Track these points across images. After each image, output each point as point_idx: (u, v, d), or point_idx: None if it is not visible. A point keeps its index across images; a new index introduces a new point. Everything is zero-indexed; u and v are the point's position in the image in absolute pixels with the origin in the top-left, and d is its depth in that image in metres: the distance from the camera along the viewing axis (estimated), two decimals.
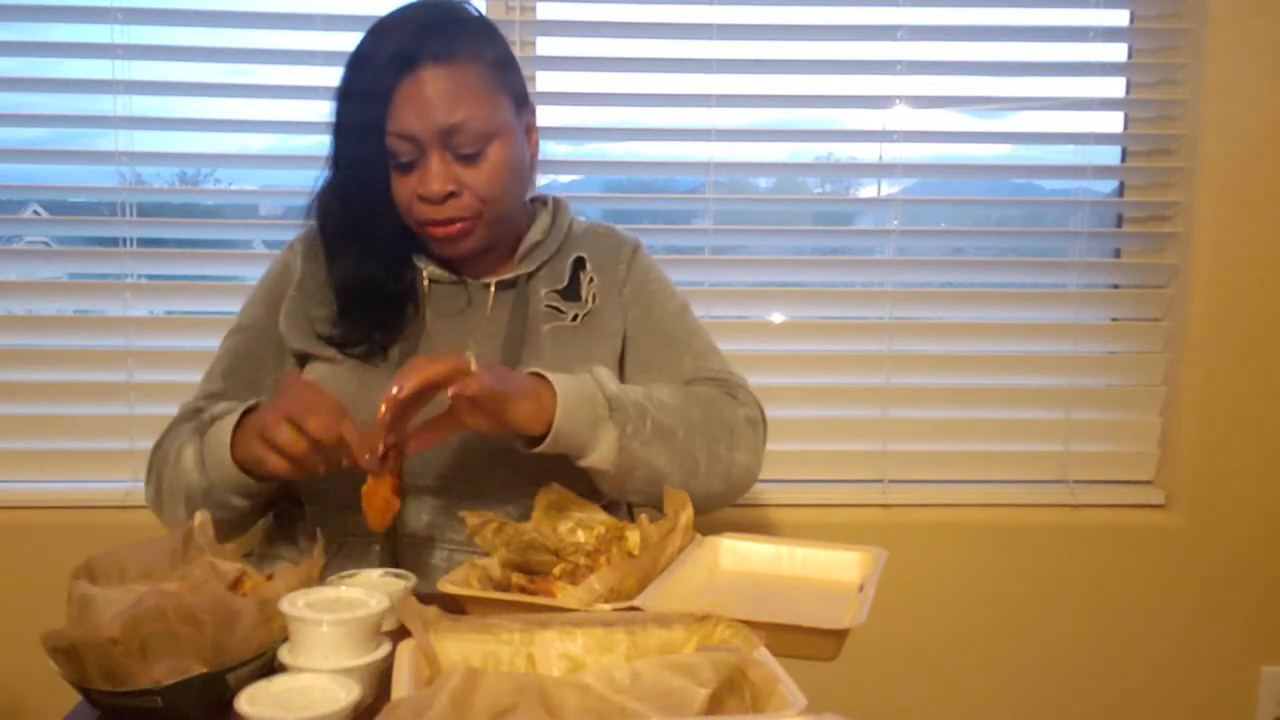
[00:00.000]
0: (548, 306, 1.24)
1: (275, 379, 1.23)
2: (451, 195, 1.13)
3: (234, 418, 1.07)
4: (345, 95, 1.15)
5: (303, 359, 1.22)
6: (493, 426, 1.03)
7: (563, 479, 1.10)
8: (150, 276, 1.79)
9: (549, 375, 1.06)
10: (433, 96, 1.11)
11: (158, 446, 1.20)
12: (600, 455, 1.08)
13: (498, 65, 1.17)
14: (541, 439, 1.04)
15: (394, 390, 0.97)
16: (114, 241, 1.77)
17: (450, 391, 0.98)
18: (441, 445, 1.13)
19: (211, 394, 1.22)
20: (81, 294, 1.87)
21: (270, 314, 1.25)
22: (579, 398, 1.06)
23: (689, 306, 1.33)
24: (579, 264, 1.27)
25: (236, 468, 1.05)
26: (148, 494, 1.20)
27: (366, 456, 0.98)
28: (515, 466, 1.14)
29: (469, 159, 1.13)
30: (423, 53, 1.11)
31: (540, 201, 1.32)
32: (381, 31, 1.15)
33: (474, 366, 0.99)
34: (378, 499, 0.97)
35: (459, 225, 1.15)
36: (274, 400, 1.02)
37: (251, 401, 1.10)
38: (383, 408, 0.96)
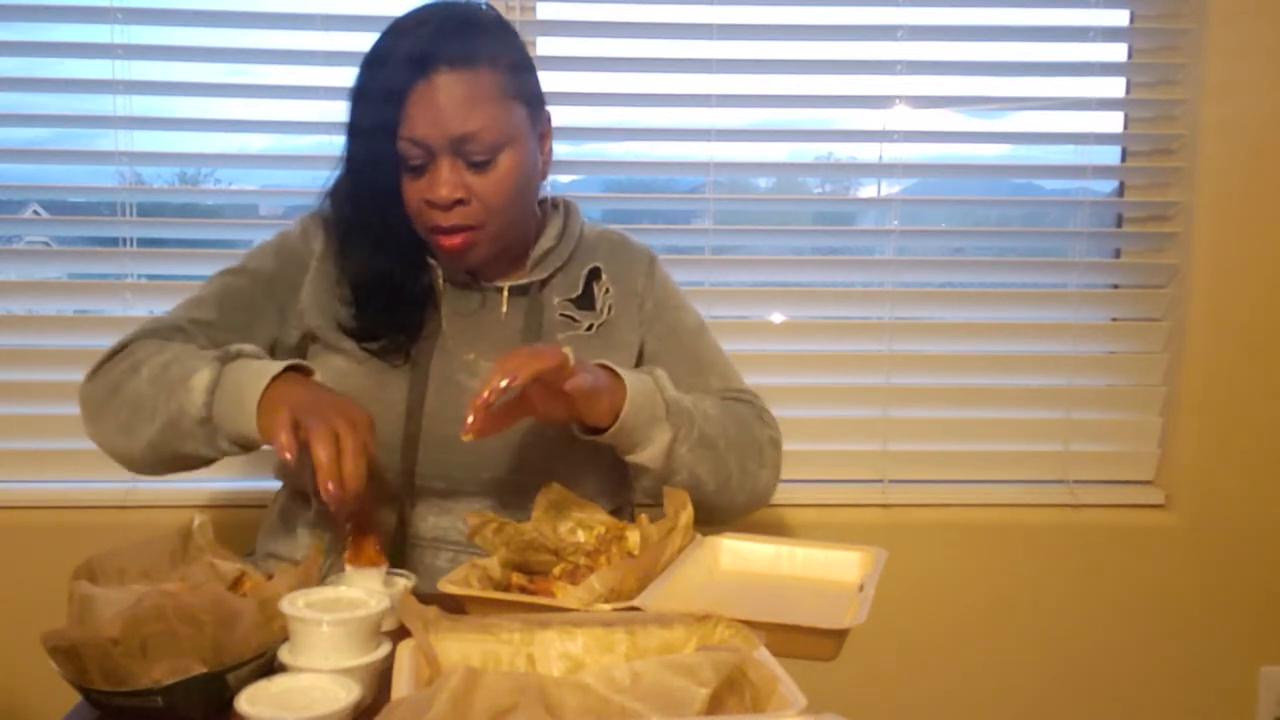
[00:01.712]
0: (561, 315, 1.24)
1: (268, 335, 1.20)
2: (459, 203, 1.13)
3: (273, 369, 1.02)
4: (360, 95, 1.14)
5: (311, 339, 1.21)
6: (565, 416, 1.06)
7: (567, 480, 1.10)
8: (150, 276, 1.79)
9: (619, 370, 1.09)
10: (446, 104, 1.10)
11: (122, 348, 1.15)
12: (650, 454, 1.11)
13: (514, 70, 1.16)
14: (599, 428, 1.07)
15: (503, 382, 0.96)
16: (114, 241, 1.77)
17: (566, 387, 1.00)
18: (456, 445, 1.13)
19: (199, 320, 1.18)
20: (81, 294, 1.87)
21: (280, 269, 1.22)
22: (644, 394, 1.09)
23: (705, 322, 1.34)
24: (594, 274, 1.27)
25: (255, 424, 1.01)
26: (86, 390, 1.15)
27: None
28: (522, 469, 1.15)
29: (479, 166, 1.13)
30: (438, 57, 1.10)
31: (551, 205, 1.31)
32: (398, 31, 1.14)
33: (572, 361, 1.01)
34: (363, 560, 0.96)
35: (463, 236, 1.14)
36: (333, 404, 0.99)
37: (298, 361, 1.06)
38: (486, 393, 0.96)
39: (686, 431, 1.13)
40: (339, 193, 1.20)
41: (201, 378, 1.04)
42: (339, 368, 1.18)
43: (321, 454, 0.92)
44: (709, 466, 1.15)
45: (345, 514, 0.96)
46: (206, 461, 1.10)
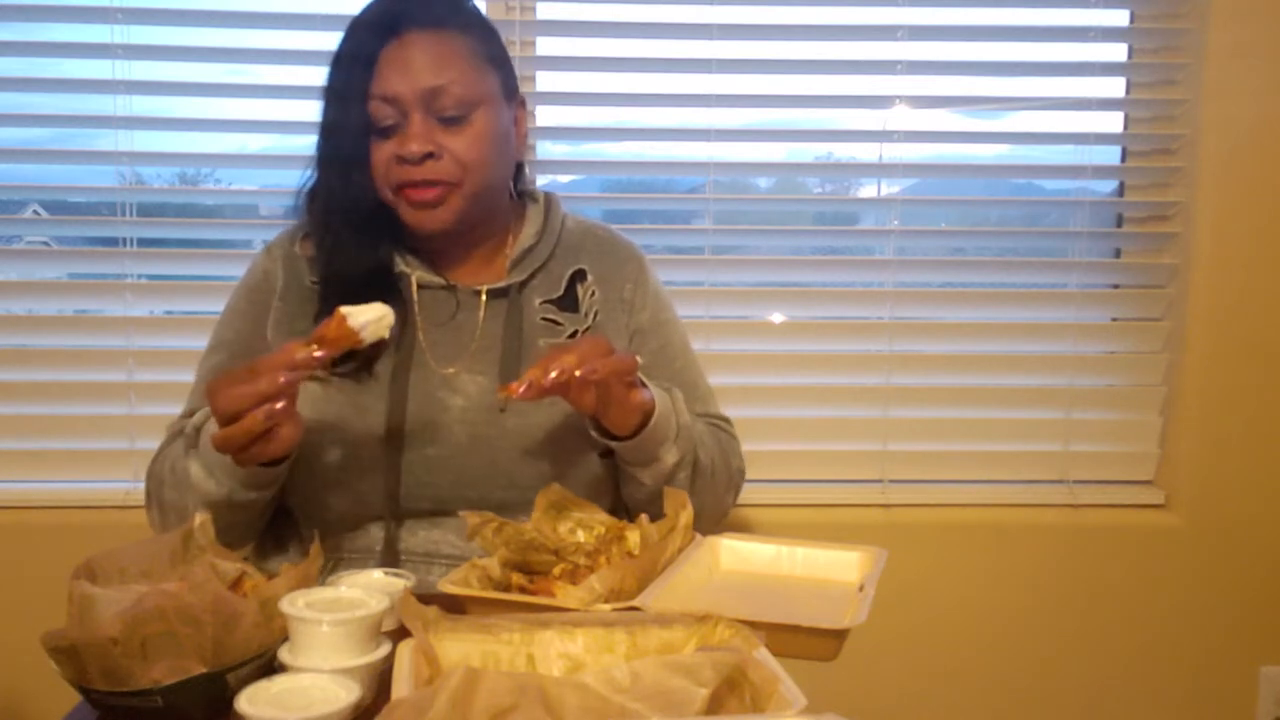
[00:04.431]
0: (543, 319, 1.21)
1: None
2: (430, 156, 1.10)
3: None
4: (329, 90, 1.13)
5: None
6: (594, 412, 1.06)
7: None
8: (150, 276, 1.79)
9: (648, 384, 1.09)
10: (417, 57, 1.10)
11: (151, 472, 1.17)
12: (653, 472, 1.13)
13: (487, 44, 1.16)
14: (616, 435, 1.08)
15: (577, 372, 0.98)
16: (114, 241, 1.77)
17: (634, 399, 1.05)
18: (440, 466, 1.13)
19: (194, 413, 1.18)
20: (81, 294, 1.87)
21: (254, 326, 1.20)
22: (664, 414, 1.10)
23: (688, 337, 1.33)
24: (578, 276, 1.24)
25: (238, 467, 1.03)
26: (151, 518, 1.17)
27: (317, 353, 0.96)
28: (511, 487, 1.14)
29: (452, 123, 1.11)
30: (407, 19, 1.11)
31: (530, 198, 1.27)
32: (364, 20, 1.13)
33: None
34: (333, 329, 0.97)
35: (436, 190, 1.12)
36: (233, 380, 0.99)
37: None
38: (555, 373, 0.97)
39: (689, 458, 1.14)
40: (312, 193, 1.18)
41: (195, 470, 1.07)
42: (314, 393, 1.14)
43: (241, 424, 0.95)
44: (694, 492, 1.15)
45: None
46: (259, 519, 1.14)
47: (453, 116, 1.11)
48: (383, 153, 1.12)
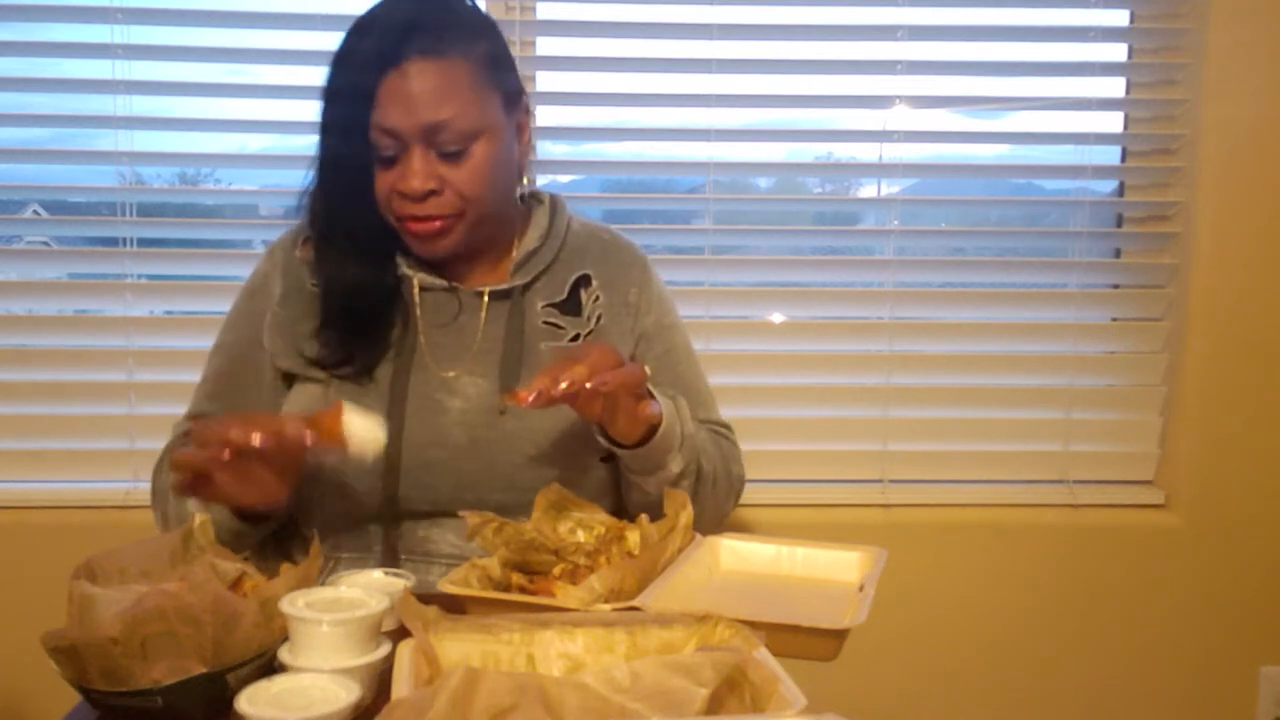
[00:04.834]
0: (545, 323, 1.20)
1: (271, 391, 1.18)
2: (432, 193, 1.10)
3: None
4: (330, 94, 1.12)
5: (289, 378, 1.18)
6: (601, 421, 1.06)
7: None
8: (150, 276, 1.79)
9: (655, 393, 1.10)
10: (418, 92, 1.08)
11: (156, 475, 1.17)
12: (656, 480, 1.12)
13: (490, 61, 1.14)
14: (622, 444, 1.09)
15: (587, 384, 0.98)
16: (114, 241, 1.77)
17: (641, 411, 1.05)
18: (439, 468, 1.13)
19: (197, 416, 1.19)
20: (81, 294, 1.88)
21: (252, 330, 1.20)
22: (670, 424, 1.10)
23: (690, 340, 1.32)
24: (582, 281, 1.23)
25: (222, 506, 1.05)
26: (156, 519, 1.17)
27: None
28: (510, 489, 1.14)
29: (452, 157, 1.10)
30: (410, 46, 1.08)
31: (536, 199, 1.27)
32: (369, 22, 1.11)
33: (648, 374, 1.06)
34: (326, 425, 0.98)
35: (438, 223, 1.12)
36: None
37: None
38: (565, 384, 0.97)
39: (693, 466, 1.15)
40: (312, 196, 1.17)
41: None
42: (315, 395, 1.14)
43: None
44: (698, 500, 1.15)
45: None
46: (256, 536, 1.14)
47: (454, 151, 1.10)
48: (384, 182, 1.12)
